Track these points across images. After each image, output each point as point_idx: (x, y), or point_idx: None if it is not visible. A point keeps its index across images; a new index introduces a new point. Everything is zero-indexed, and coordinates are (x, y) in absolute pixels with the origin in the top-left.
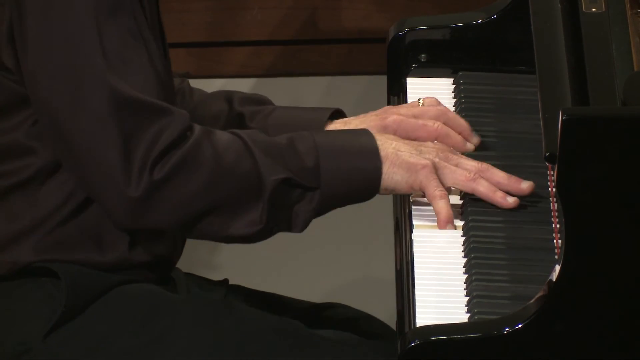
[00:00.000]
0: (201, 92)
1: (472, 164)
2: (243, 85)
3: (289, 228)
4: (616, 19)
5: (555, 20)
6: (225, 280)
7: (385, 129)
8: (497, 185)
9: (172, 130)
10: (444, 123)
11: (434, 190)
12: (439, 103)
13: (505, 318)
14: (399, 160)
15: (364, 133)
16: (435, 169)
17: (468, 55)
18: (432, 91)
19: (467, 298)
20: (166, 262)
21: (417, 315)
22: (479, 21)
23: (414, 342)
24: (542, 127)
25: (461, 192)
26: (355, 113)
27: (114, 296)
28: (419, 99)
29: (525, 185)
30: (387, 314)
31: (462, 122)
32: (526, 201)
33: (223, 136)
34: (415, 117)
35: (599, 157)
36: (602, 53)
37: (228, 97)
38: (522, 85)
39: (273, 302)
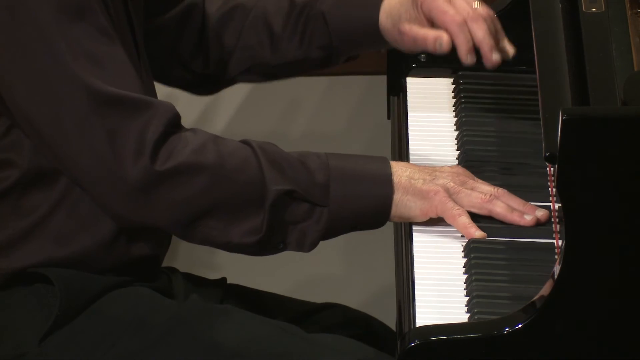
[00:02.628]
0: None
1: (488, 188)
2: (243, 85)
3: (297, 247)
4: (616, 19)
5: (555, 20)
6: (223, 279)
7: (415, 3)
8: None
9: (158, 121)
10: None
11: (451, 210)
12: (480, 15)
13: (505, 318)
14: (412, 188)
15: (379, 159)
16: (450, 194)
17: None
18: (432, 91)
19: (467, 298)
20: (152, 258)
21: (417, 315)
22: None
23: (414, 342)
24: (542, 127)
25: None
26: (355, 113)
27: (109, 300)
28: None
29: (540, 214)
30: (387, 314)
31: (520, 200)
32: (526, 201)
33: (231, 143)
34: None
35: (599, 157)
36: (602, 53)
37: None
38: (522, 85)
39: (271, 303)
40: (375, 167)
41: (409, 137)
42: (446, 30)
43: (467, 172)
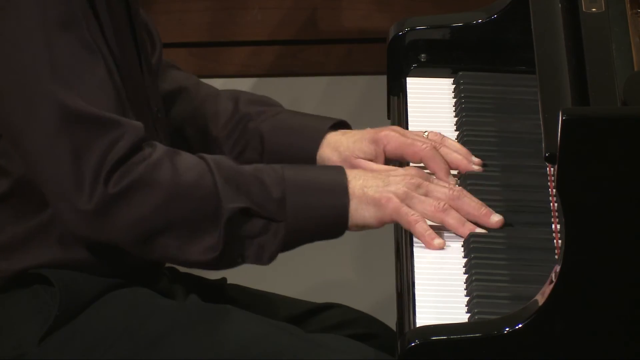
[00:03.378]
0: (210, 89)
1: (443, 190)
2: (243, 85)
3: (255, 260)
4: (616, 19)
5: (555, 20)
6: (223, 280)
7: (377, 142)
8: (467, 215)
9: (125, 142)
10: (439, 148)
11: (406, 217)
12: (442, 137)
13: (505, 318)
14: (365, 197)
15: (334, 169)
16: (403, 200)
17: (468, 55)
18: (432, 91)
19: (467, 298)
20: (155, 264)
21: (417, 315)
22: (479, 21)
23: (414, 342)
24: (542, 127)
25: (458, 179)
26: (355, 113)
27: (108, 300)
28: (425, 132)
29: (495, 219)
30: (387, 314)
31: (457, 153)
32: (526, 201)
33: (187, 158)
34: (406, 136)
35: (599, 157)
36: (602, 53)
37: (235, 96)
38: (522, 85)
39: (271, 303)
40: (331, 177)
41: None
42: (421, 159)
43: (422, 173)
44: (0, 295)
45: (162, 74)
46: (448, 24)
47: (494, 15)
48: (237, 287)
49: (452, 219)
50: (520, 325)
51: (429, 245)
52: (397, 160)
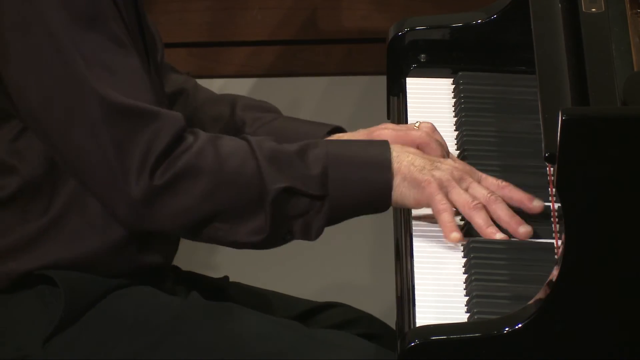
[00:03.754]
0: (208, 93)
1: (482, 192)
2: (243, 85)
3: (303, 237)
4: (616, 19)
5: (555, 20)
6: (225, 278)
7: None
8: (498, 220)
9: (166, 132)
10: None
11: (438, 204)
12: (434, 127)
13: (505, 318)
14: (409, 175)
15: (380, 144)
16: (442, 187)
17: (468, 55)
18: (432, 91)
19: (467, 298)
20: (160, 265)
21: (417, 315)
22: (479, 21)
23: (414, 342)
24: (542, 127)
25: None
26: (355, 113)
27: (112, 300)
28: (416, 122)
29: (523, 230)
30: (387, 314)
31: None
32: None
33: (230, 142)
34: (399, 129)
35: (599, 157)
36: (602, 53)
37: (232, 101)
38: (522, 85)
39: (273, 301)
40: (375, 151)
41: None
42: (418, 146)
43: (471, 169)
44: (5, 295)
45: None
46: (448, 24)
47: (493, 16)
48: (239, 286)
49: (479, 218)
50: (520, 325)
51: (446, 236)
52: None
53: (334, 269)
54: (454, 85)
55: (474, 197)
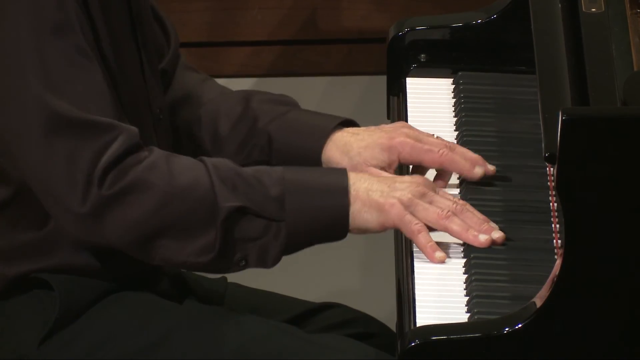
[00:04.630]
0: (222, 89)
1: (447, 203)
2: (243, 85)
3: (259, 263)
4: (616, 19)
5: (555, 20)
6: (223, 279)
7: (390, 149)
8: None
9: (118, 145)
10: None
11: (409, 225)
12: (447, 142)
13: (505, 318)
14: (369, 200)
15: (336, 172)
16: (407, 207)
17: (468, 55)
18: (432, 91)
19: (467, 298)
20: (160, 269)
21: (417, 315)
22: (479, 21)
23: (414, 342)
24: (542, 127)
25: (460, 183)
26: (355, 113)
27: (109, 302)
28: (434, 135)
29: (496, 236)
30: (386, 314)
31: (472, 154)
32: (526, 201)
33: (184, 160)
34: (421, 141)
35: (599, 157)
36: (602, 53)
37: (247, 96)
38: (522, 85)
39: (272, 302)
40: (332, 178)
41: None
42: (441, 164)
43: (429, 182)
44: (1, 299)
45: (178, 77)
46: (448, 24)
47: (494, 15)
48: (236, 286)
49: (455, 225)
50: (520, 325)
51: (430, 258)
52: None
53: (332, 269)
54: (454, 85)
55: (441, 208)
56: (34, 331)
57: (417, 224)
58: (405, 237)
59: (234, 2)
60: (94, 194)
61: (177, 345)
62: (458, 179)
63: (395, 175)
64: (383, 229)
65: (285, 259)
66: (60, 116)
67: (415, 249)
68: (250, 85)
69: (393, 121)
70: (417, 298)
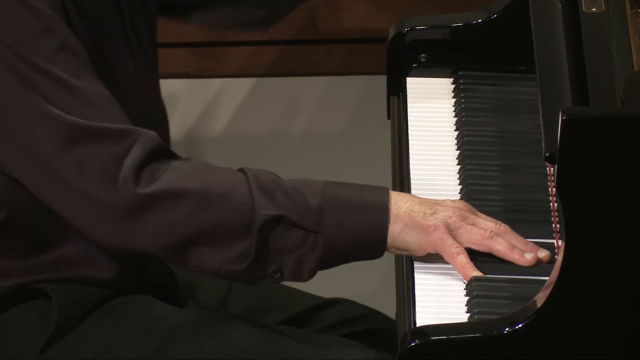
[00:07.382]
0: None
1: (489, 224)
2: (243, 85)
3: (293, 276)
4: (616, 19)
5: (555, 20)
6: None
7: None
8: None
9: (141, 145)
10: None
11: (449, 248)
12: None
13: (505, 318)
14: (411, 221)
15: (379, 189)
16: (450, 229)
17: (468, 55)
18: (432, 91)
19: (467, 298)
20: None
21: (417, 315)
22: (479, 21)
23: (414, 342)
24: (542, 127)
25: (460, 183)
26: (355, 113)
27: (110, 309)
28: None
29: (542, 255)
30: (391, 310)
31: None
32: (526, 201)
33: (223, 170)
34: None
35: (599, 157)
36: (602, 53)
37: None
38: (522, 85)
39: (278, 297)
40: (373, 195)
41: (409, 137)
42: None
43: (470, 207)
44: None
45: None
46: (448, 24)
47: (494, 15)
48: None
49: (499, 244)
50: (520, 325)
51: (467, 277)
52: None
53: (332, 268)
54: (454, 85)
55: (484, 229)
56: (33, 341)
57: (457, 247)
58: None
59: None
60: (130, 190)
61: (177, 352)
62: (458, 179)
63: (436, 200)
64: (423, 252)
65: None
66: (77, 128)
67: None
68: (250, 85)
69: (393, 121)
70: (417, 298)
